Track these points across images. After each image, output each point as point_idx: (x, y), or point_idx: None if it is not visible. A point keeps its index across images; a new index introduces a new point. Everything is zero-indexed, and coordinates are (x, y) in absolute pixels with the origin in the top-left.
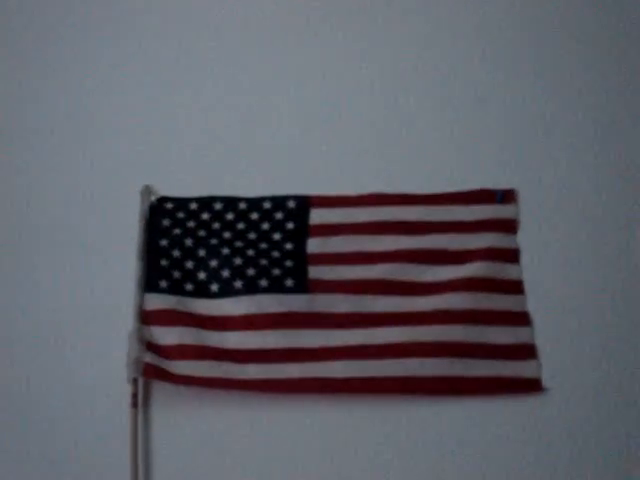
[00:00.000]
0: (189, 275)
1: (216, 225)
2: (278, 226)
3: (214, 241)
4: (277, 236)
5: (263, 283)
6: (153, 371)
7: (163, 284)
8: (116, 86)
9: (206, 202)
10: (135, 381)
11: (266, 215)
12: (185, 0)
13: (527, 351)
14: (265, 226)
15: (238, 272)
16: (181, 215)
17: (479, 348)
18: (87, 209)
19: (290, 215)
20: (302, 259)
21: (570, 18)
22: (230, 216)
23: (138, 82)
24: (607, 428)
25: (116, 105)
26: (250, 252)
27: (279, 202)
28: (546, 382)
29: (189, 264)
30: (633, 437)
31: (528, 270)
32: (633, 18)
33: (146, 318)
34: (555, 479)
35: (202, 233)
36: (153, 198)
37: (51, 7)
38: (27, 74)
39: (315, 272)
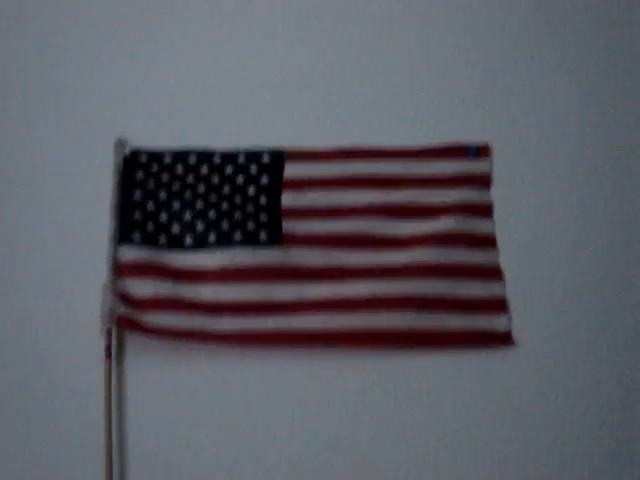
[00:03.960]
0: (163, 228)
1: (190, 178)
2: (253, 180)
3: (188, 194)
4: (251, 190)
5: (237, 236)
6: (127, 322)
7: (137, 236)
8: (90, 35)
9: (180, 155)
10: (109, 333)
11: (241, 169)
12: None
13: (498, 305)
14: (239, 180)
15: (212, 225)
16: (155, 168)
17: (451, 302)
18: (60, 161)
19: (265, 169)
20: (276, 213)
21: None
22: (204, 170)
23: (113, 32)
24: (577, 382)
25: (89, 55)
26: (224, 206)
27: (254, 156)
28: (517, 335)
29: (163, 217)
30: (601, 389)
31: (501, 225)
32: None
33: (120, 270)
34: (525, 431)
35: (176, 186)
36: (127, 151)
37: None
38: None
39: (289, 226)
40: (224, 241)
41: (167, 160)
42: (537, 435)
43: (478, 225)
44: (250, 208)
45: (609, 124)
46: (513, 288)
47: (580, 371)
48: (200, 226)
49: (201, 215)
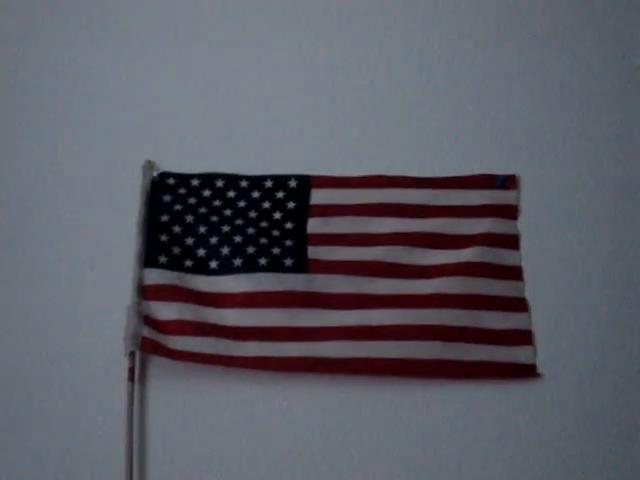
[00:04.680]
0: (189, 251)
1: (217, 202)
2: (279, 205)
3: (215, 218)
4: (277, 215)
5: (262, 261)
6: (151, 345)
7: (163, 259)
8: (121, 60)
9: (208, 179)
10: (132, 355)
11: (267, 194)
12: None
13: (523, 337)
14: (266, 205)
15: (238, 250)
16: (182, 191)
17: (475, 332)
18: (89, 183)
19: (291, 194)
20: (302, 239)
21: (575, 9)
22: (231, 194)
23: (143, 57)
24: (601, 415)
25: (120, 79)
26: (250, 230)
27: (280, 181)
28: (541, 368)
29: (189, 240)
30: (627, 424)
31: (527, 256)
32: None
33: (145, 293)
34: (549, 464)
35: (203, 210)
36: (155, 173)
37: None
38: (28, 49)
39: (314, 252)
40: (249, 266)
41: (194, 183)
42: (560, 469)
43: (504, 256)
44: (276, 233)
45: (638, 158)
46: (539, 320)
47: (605, 405)
48: (225, 250)
49: (227, 239)
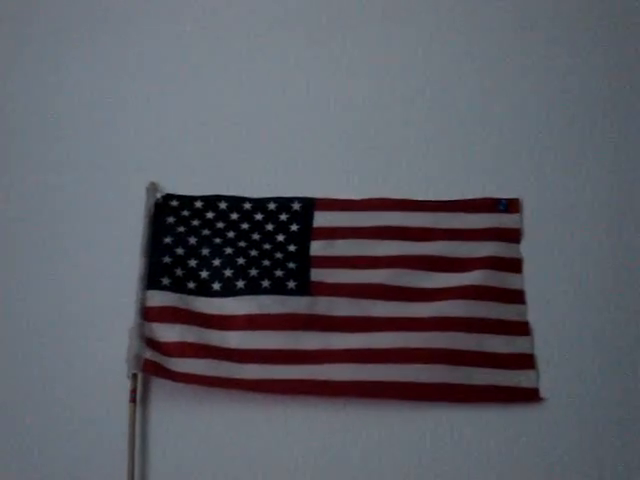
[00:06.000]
0: (192, 273)
1: (220, 224)
2: (282, 227)
3: (218, 240)
4: (281, 237)
5: (265, 284)
6: (153, 367)
7: (165, 281)
8: (123, 83)
9: (211, 201)
10: (135, 377)
11: (270, 216)
12: None
13: (526, 361)
14: (269, 227)
15: (241, 272)
16: (186, 213)
17: (478, 356)
18: (92, 204)
19: (294, 217)
20: (305, 261)
21: (578, 25)
22: (234, 216)
23: (145, 79)
24: (604, 440)
25: (123, 102)
26: (253, 252)
27: (284, 203)
28: (544, 392)
29: (192, 262)
30: (630, 449)
31: (530, 280)
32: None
33: (147, 315)
34: None
35: (206, 232)
36: (158, 195)
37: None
38: (31, 69)
39: (317, 275)
40: (252, 288)
41: (198, 205)
42: None
43: (507, 280)
44: (279, 255)
45: None
46: (541, 344)
47: (607, 430)
48: (228, 272)
49: (230, 261)
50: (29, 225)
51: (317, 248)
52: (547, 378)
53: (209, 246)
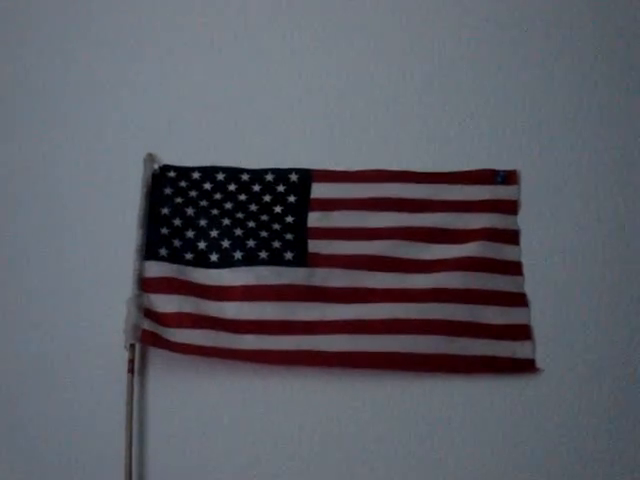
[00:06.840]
0: (189, 244)
1: (218, 195)
2: (280, 199)
3: (215, 211)
4: (278, 209)
5: (263, 255)
6: (150, 338)
7: (163, 252)
8: (121, 53)
9: (209, 172)
10: (132, 347)
11: (268, 187)
12: None
13: (522, 332)
14: (267, 198)
15: (238, 243)
16: (183, 184)
17: (474, 327)
18: (90, 176)
19: (292, 188)
20: (302, 232)
21: (576, 4)
22: (232, 187)
23: (143, 50)
24: (599, 410)
25: (120, 73)
26: (251, 224)
27: (281, 175)
28: (540, 363)
29: (189, 233)
30: (625, 419)
31: (527, 252)
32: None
33: (145, 285)
34: (547, 459)
35: (203, 203)
36: (156, 166)
37: None
38: (28, 44)
39: (314, 246)
40: (249, 259)
41: (195, 176)
42: (559, 463)
43: (504, 251)
44: (276, 227)
45: (638, 152)
46: (538, 315)
47: (604, 400)
48: (226, 243)
49: (227, 232)
50: (25, 199)
51: (314, 219)
52: (543, 349)
53: (207, 217)
